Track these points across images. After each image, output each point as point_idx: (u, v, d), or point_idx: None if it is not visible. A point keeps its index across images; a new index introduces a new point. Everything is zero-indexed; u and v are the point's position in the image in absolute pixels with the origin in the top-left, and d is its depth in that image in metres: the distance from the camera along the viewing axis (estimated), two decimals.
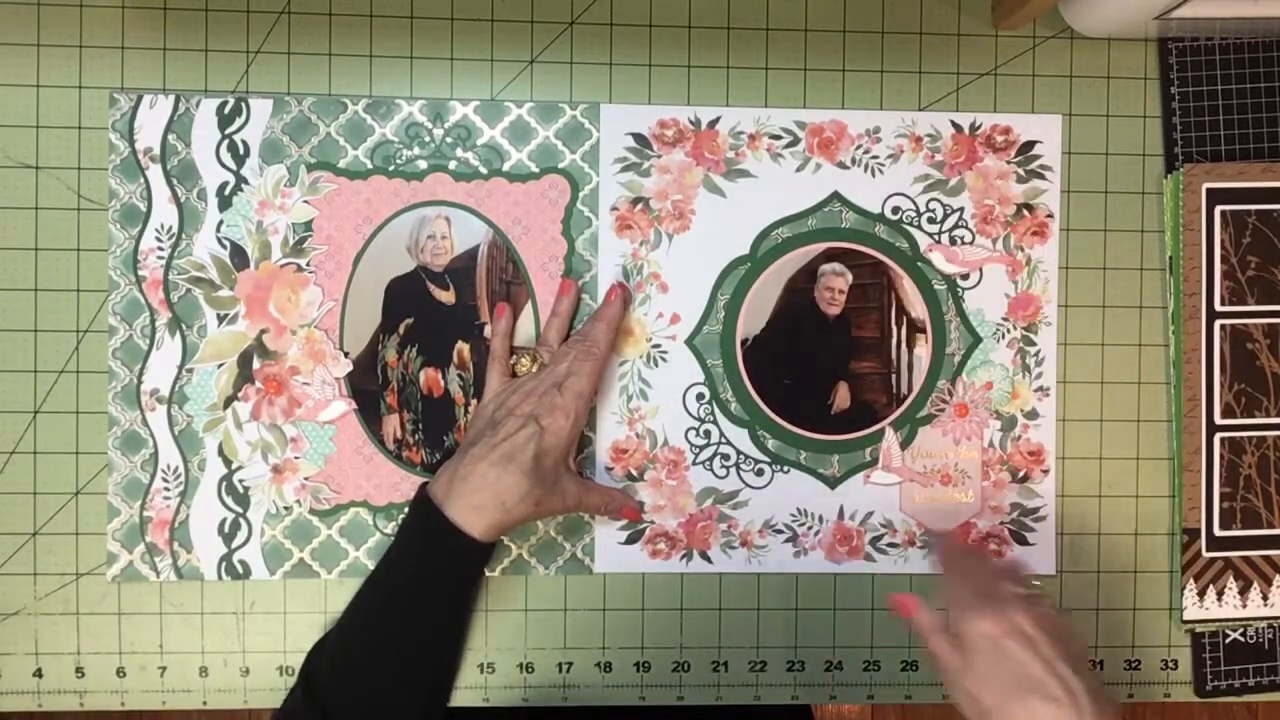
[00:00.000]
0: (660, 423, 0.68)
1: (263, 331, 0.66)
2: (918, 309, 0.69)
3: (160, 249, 0.66)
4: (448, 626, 0.60)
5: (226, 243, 0.66)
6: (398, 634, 0.58)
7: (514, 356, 0.64)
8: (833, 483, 0.69)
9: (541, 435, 0.59)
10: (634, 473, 0.68)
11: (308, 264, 0.66)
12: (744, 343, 0.69)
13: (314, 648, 0.61)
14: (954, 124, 0.69)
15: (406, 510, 0.61)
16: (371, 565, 0.67)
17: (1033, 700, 0.51)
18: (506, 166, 0.67)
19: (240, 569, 0.67)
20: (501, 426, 0.60)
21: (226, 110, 0.66)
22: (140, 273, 0.66)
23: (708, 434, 0.69)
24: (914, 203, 0.69)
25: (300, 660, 0.59)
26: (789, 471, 0.69)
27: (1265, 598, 0.70)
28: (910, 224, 0.69)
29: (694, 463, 0.69)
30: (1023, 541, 0.70)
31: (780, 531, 0.69)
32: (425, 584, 0.58)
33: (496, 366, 0.65)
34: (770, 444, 0.69)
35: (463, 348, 0.68)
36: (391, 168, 0.67)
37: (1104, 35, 0.68)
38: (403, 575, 0.59)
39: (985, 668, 0.53)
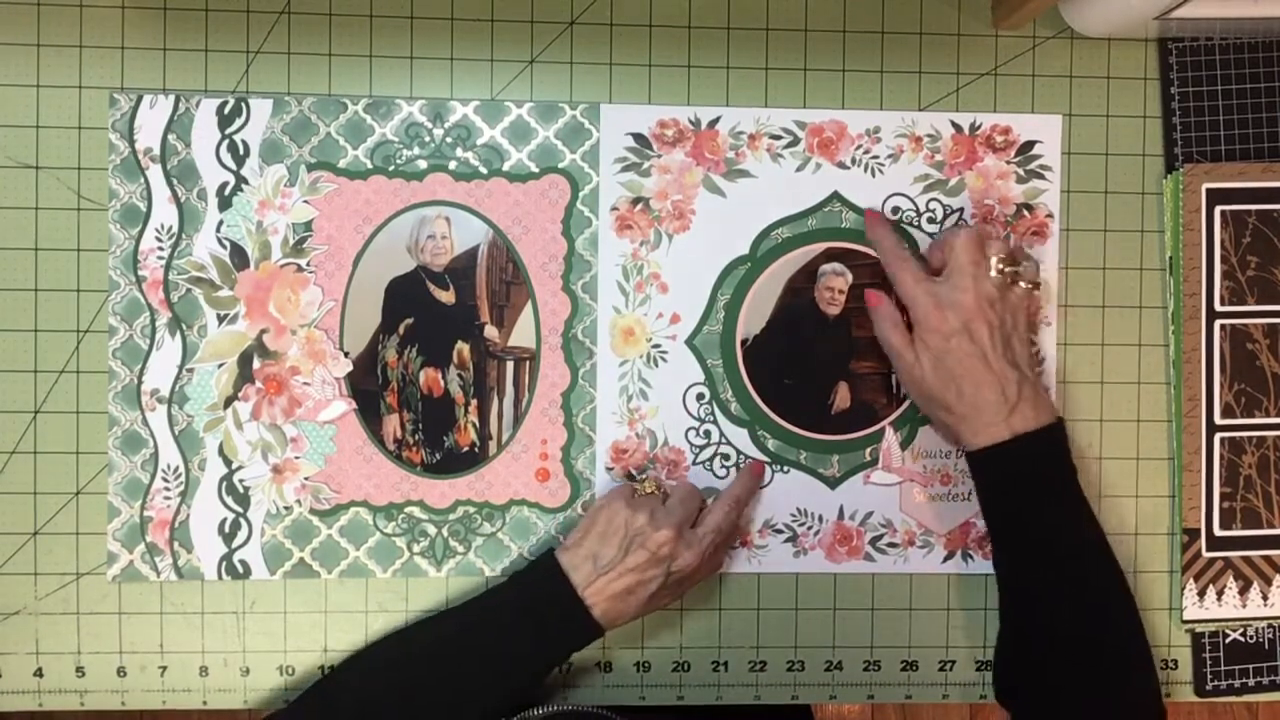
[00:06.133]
0: (660, 423, 0.68)
1: (263, 331, 0.66)
2: None
3: (160, 249, 0.66)
4: (520, 683, 0.61)
5: (226, 243, 0.66)
6: (467, 668, 0.60)
7: (640, 475, 0.66)
8: (833, 483, 0.69)
9: (667, 577, 0.62)
10: (634, 473, 0.68)
11: (308, 264, 0.67)
12: (744, 343, 0.69)
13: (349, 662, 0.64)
14: (954, 124, 0.69)
15: (530, 568, 0.64)
16: (371, 565, 0.67)
17: (965, 387, 0.61)
18: (506, 166, 0.67)
19: (240, 569, 0.67)
20: (632, 555, 0.61)
21: (226, 110, 0.66)
22: (140, 273, 0.66)
23: (708, 434, 0.69)
24: (914, 203, 0.69)
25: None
26: (789, 471, 0.69)
27: (1265, 598, 0.70)
28: (910, 224, 0.69)
29: (694, 463, 0.69)
30: None
31: (780, 531, 0.69)
32: (521, 638, 0.61)
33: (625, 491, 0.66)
34: (770, 444, 0.69)
35: (463, 348, 0.68)
36: (391, 168, 0.67)
37: (1104, 35, 0.68)
38: (504, 619, 0.62)
39: (930, 361, 0.62)
